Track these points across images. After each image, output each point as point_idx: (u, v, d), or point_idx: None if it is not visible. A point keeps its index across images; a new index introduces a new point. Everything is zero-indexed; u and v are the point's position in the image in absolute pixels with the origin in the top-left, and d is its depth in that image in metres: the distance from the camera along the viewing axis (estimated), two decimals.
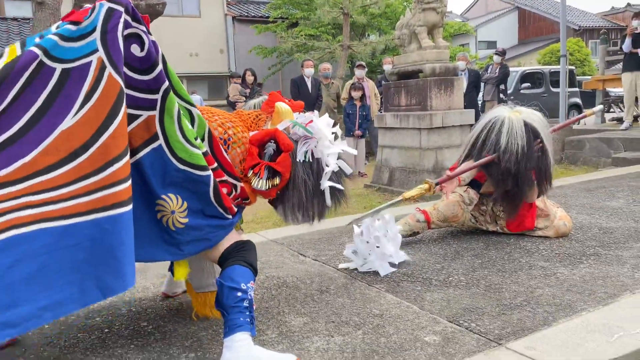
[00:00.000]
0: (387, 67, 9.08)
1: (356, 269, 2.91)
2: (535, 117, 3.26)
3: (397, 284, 2.69)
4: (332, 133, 2.28)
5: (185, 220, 1.88)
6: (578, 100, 14.60)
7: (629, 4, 31.05)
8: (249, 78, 9.30)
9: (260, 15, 19.08)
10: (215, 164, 1.99)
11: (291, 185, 2.15)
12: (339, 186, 2.27)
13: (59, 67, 1.66)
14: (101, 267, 1.65)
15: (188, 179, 1.88)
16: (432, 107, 5.79)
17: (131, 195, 1.73)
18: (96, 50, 1.69)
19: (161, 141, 1.84)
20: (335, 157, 2.27)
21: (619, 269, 2.76)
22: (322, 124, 2.23)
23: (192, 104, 1.94)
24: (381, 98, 8.40)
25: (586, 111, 3.84)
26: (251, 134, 2.17)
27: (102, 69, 1.70)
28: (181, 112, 1.87)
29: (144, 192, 1.85)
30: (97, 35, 1.69)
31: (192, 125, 1.94)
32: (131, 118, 1.79)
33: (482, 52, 28.29)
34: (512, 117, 3.22)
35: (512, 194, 3.24)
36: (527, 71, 14.31)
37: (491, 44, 30.71)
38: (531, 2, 33.25)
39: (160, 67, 1.80)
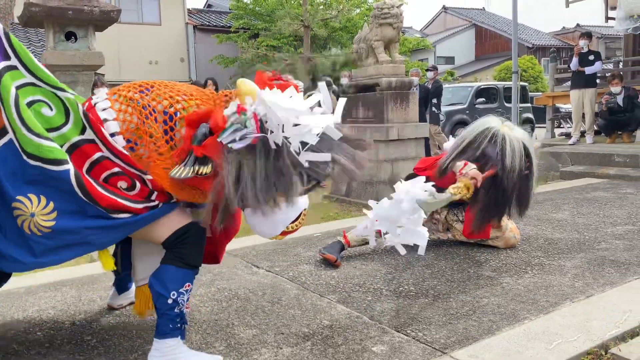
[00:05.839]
0: (344, 81, 9.21)
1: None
2: (527, 137, 3.28)
3: (349, 294, 2.71)
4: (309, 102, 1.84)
5: (51, 223, 1.65)
6: (530, 115, 15.11)
7: (578, 25, 32.44)
8: (211, 87, 9.24)
9: (221, 25, 18.99)
10: (101, 153, 1.74)
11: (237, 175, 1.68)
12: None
13: None
14: None
15: (46, 176, 1.65)
16: (388, 120, 5.88)
17: None
18: None
19: (11, 135, 1.63)
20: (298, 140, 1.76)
21: (561, 279, 2.86)
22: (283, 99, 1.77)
23: (60, 88, 1.75)
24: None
25: None
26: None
27: None
28: (23, 98, 1.66)
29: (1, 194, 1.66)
30: None
31: (67, 114, 1.73)
32: None
33: (441, 67, 28.96)
34: (510, 135, 3.18)
35: (491, 210, 3.23)
36: (482, 87, 14.71)
37: (449, 60, 31.51)
38: (487, 20, 34.33)
39: None
